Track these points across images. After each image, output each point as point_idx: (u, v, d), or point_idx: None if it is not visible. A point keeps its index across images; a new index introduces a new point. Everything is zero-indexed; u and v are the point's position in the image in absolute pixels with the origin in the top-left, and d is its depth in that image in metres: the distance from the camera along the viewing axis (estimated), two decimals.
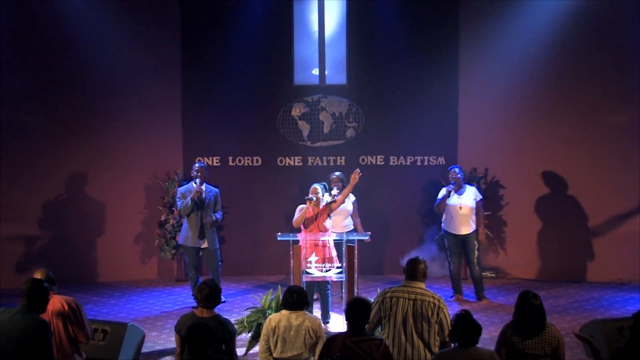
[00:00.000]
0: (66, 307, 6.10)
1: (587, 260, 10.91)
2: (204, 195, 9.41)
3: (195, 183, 9.43)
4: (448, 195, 9.55)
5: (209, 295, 6.01)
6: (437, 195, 9.84)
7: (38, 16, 10.63)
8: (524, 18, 10.66)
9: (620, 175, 10.70)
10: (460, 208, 9.55)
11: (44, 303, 5.71)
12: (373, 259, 10.39)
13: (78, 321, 6.17)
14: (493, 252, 10.91)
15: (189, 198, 9.36)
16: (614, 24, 10.60)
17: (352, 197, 9.48)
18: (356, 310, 5.55)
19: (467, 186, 9.73)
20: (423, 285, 5.92)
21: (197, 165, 9.62)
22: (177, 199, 9.63)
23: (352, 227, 9.43)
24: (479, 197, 9.67)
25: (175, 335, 6.06)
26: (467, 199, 9.58)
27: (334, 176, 9.53)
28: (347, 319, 5.61)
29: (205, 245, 9.52)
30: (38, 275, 6.09)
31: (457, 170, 9.69)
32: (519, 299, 5.70)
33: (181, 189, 9.65)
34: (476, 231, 9.74)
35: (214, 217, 9.46)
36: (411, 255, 6.35)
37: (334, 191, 9.06)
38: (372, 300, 6.12)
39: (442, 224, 9.83)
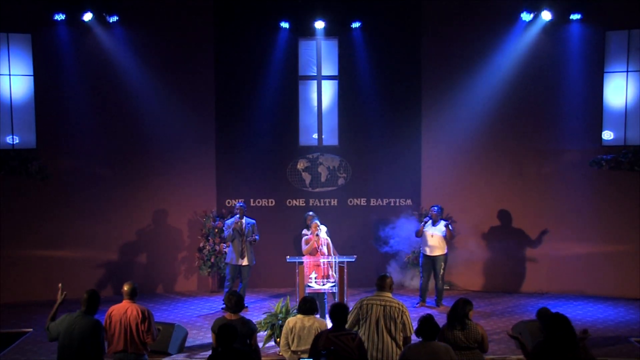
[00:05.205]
0: (140, 314, 6.30)
1: (517, 276, 11.33)
2: (243, 226, 10.04)
3: (236, 217, 10.12)
4: (424, 225, 10.13)
5: (237, 303, 6.31)
6: (405, 228, 10.58)
7: (110, 96, 11.26)
8: (473, 94, 11.15)
9: (542, 212, 11.26)
10: (432, 236, 10.09)
11: (96, 308, 6.02)
12: (358, 275, 10.48)
13: (148, 325, 6.33)
14: (448, 270, 10.81)
15: (231, 228, 10.05)
16: (538, 101, 11.16)
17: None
18: (337, 312, 5.88)
19: (442, 221, 10.18)
20: (390, 295, 6.28)
21: (238, 205, 10.19)
22: (225, 229, 10.18)
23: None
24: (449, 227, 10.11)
25: (212, 334, 6.31)
26: (438, 230, 10.09)
27: (309, 214, 9.90)
28: (330, 319, 5.92)
29: (245, 263, 10.02)
30: (126, 287, 6.35)
31: (435, 208, 10.17)
32: (452, 306, 6.08)
33: (228, 222, 10.19)
34: (444, 254, 10.15)
35: (253, 237, 10.07)
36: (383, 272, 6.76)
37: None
38: (351, 306, 6.32)
39: (421, 247, 10.27)
